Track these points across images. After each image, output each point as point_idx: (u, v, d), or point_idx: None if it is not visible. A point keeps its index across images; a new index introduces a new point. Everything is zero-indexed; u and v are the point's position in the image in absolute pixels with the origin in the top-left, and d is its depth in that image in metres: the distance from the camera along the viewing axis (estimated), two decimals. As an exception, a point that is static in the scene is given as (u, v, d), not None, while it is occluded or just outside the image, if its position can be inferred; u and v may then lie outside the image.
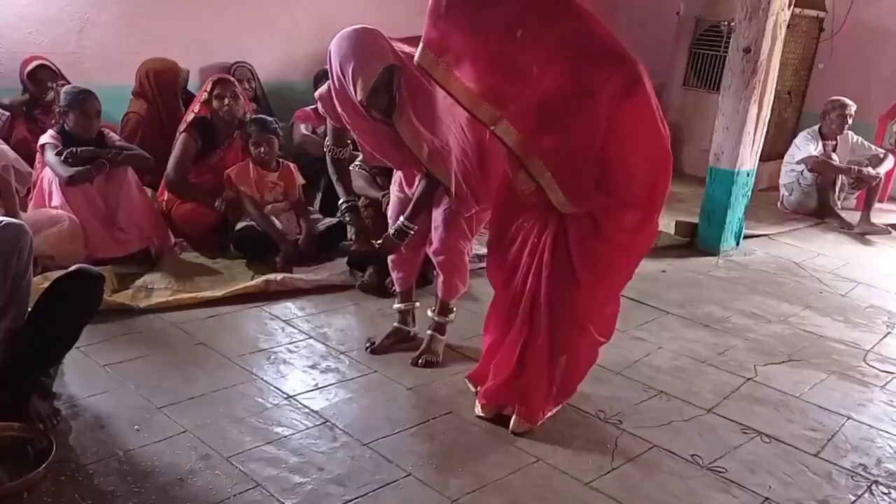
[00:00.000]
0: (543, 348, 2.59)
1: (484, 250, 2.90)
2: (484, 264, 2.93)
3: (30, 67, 4.43)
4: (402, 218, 2.93)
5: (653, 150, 2.47)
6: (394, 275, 3.22)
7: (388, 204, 3.28)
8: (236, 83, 4.41)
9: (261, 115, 4.48)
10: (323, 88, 2.83)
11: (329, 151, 3.01)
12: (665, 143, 2.48)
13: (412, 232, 2.93)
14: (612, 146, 2.40)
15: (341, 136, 2.98)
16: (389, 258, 3.18)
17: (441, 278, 3.06)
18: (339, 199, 4.42)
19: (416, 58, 2.44)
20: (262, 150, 4.19)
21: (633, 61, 2.39)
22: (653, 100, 2.45)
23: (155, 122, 4.65)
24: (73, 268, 2.52)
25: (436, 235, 2.97)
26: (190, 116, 4.31)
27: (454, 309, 3.15)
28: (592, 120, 2.36)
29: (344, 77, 2.63)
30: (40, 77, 4.42)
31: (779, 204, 6.17)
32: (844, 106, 5.84)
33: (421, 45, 2.41)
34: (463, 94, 2.41)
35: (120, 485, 2.19)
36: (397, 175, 3.11)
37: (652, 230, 2.62)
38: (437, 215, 2.95)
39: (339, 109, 2.77)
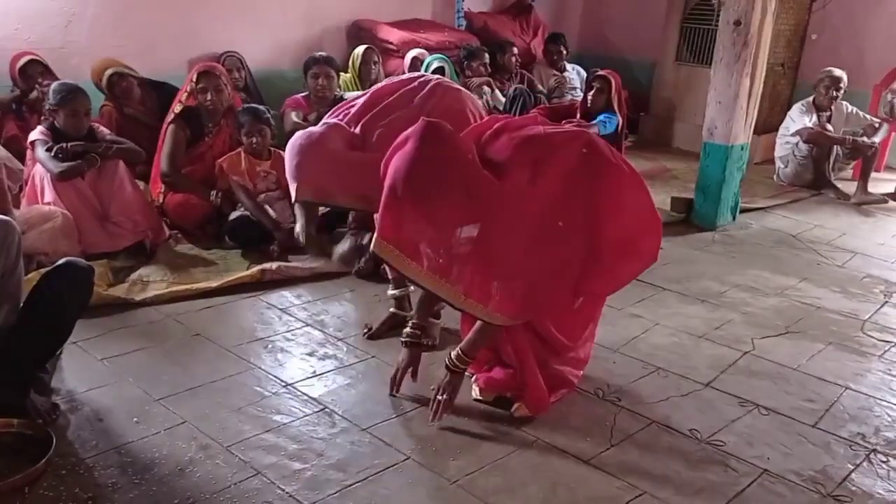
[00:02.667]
0: (528, 355, 2.61)
1: None
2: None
3: (21, 62, 4.41)
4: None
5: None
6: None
7: None
8: (222, 74, 4.39)
9: (252, 105, 4.46)
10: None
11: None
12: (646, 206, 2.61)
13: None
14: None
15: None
16: None
17: None
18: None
19: (372, 247, 2.45)
20: (255, 140, 4.18)
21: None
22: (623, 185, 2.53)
23: (125, 115, 4.66)
24: (61, 261, 2.52)
25: None
26: (178, 107, 4.30)
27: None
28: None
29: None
30: (30, 72, 4.40)
31: (775, 177, 6.15)
32: (834, 78, 5.81)
33: (376, 236, 2.42)
34: (423, 279, 2.43)
35: (120, 477, 2.20)
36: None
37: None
38: None
39: None
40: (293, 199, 2.83)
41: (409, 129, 2.37)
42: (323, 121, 2.88)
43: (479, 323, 2.54)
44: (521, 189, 2.38)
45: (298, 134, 2.75)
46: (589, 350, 2.88)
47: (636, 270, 2.70)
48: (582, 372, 2.86)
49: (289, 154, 2.77)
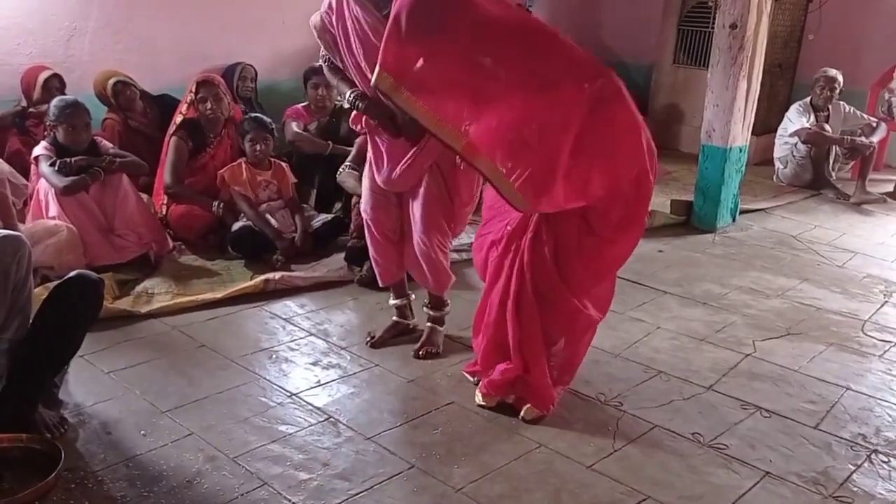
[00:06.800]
0: (538, 345, 2.63)
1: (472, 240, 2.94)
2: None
3: (43, 76, 4.43)
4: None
5: (631, 155, 2.48)
6: (375, 268, 3.23)
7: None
8: (220, 84, 4.42)
9: (257, 114, 4.50)
10: (315, 17, 2.79)
11: (324, 61, 2.88)
12: (641, 148, 2.49)
13: None
14: (588, 151, 2.40)
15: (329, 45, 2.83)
16: (371, 252, 3.18)
17: (426, 275, 3.07)
18: (333, 196, 4.53)
19: (373, 81, 2.42)
20: (259, 147, 4.21)
21: (607, 73, 2.41)
22: (630, 108, 2.46)
23: (129, 127, 4.68)
24: (71, 274, 2.55)
25: (414, 231, 2.97)
26: (179, 118, 4.34)
27: (448, 301, 3.18)
28: (562, 134, 2.36)
29: None
30: (49, 86, 4.43)
31: (774, 177, 6.18)
32: (829, 78, 5.84)
33: (378, 68, 2.38)
34: (425, 117, 2.41)
35: (129, 490, 2.23)
36: (369, 158, 3.02)
37: (640, 223, 2.66)
38: (417, 210, 2.93)
39: (342, 28, 2.70)
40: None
41: None
42: None
43: None
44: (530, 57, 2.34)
45: None
46: (590, 338, 2.84)
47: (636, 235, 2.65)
48: (581, 361, 2.85)
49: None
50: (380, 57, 2.38)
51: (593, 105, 2.35)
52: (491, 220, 2.78)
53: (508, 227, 2.64)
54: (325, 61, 2.91)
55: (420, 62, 2.36)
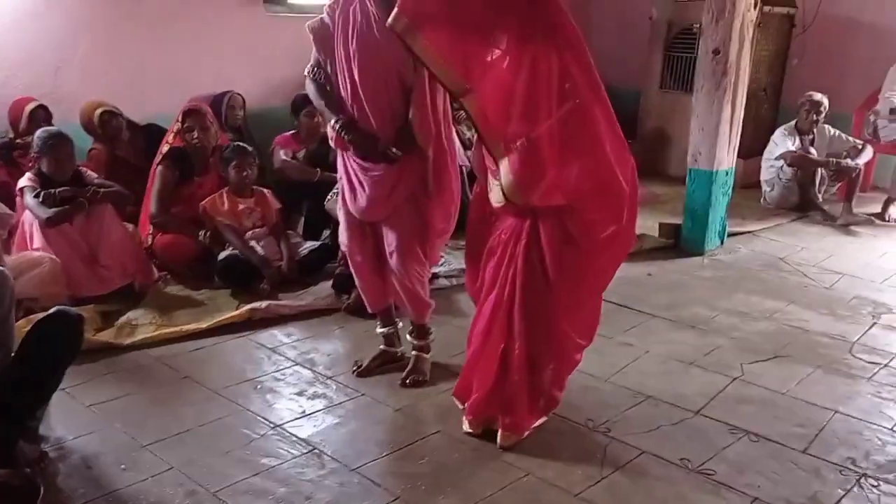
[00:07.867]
0: (522, 356, 2.60)
1: (463, 265, 2.93)
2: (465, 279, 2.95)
3: (29, 108, 4.45)
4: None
5: (612, 154, 2.52)
6: (363, 295, 3.22)
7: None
8: (207, 113, 4.43)
9: (237, 143, 4.50)
10: (314, 21, 2.81)
11: (311, 75, 2.87)
12: (604, 152, 2.54)
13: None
14: (571, 147, 2.45)
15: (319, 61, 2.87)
16: (357, 281, 3.17)
17: (405, 304, 3.07)
18: (322, 223, 4.53)
19: (389, 21, 2.48)
20: (247, 172, 4.21)
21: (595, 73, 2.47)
22: (611, 115, 2.53)
23: (115, 157, 4.67)
24: (52, 310, 2.53)
25: (392, 262, 2.97)
26: (165, 148, 4.34)
27: (432, 329, 3.17)
28: (555, 114, 2.44)
29: None
30: (36, 117, 4.43)
31: (761, 200, 6.19)
32: (814, 102, 5.87)
33: (396, 10, 2.46)
34: (434, 61, 2.47)
35: (107, 526, 2.19)
36: (341, 188, 3.03)
37: (625, 240, 2.64)
38: (392, 240, 2.94)
39: (343, 20, 2.73)
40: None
41: None
42: None
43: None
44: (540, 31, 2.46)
45: None
46: (575, 362, 2.83)
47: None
48: (564, 386, 2.83)
49: None
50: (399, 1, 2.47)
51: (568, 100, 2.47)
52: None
53: (503, 235, 2.64)
54: (311, 75, 2.88)
55: (437, 10, 2.46)
